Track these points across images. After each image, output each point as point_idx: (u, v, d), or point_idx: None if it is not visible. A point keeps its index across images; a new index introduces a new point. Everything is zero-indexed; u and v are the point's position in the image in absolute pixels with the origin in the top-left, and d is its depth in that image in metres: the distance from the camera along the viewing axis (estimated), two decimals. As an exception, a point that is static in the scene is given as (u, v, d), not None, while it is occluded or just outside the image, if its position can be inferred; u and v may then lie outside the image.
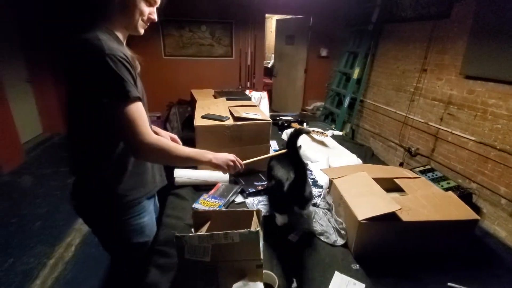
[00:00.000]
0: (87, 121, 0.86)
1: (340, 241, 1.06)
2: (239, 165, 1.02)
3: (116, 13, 0.84)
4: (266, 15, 4.86)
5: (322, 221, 1.15)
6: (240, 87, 4.86)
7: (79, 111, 0.86)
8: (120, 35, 0.88)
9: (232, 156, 1.01)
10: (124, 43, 0.91)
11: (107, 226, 0.99)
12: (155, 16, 0.91)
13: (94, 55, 0.76)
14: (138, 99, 0.82)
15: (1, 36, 3.31)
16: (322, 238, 1.08)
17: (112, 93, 0.78)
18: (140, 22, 0.88)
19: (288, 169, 1.15)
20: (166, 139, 0.93)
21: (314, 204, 1.28)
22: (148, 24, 0.92)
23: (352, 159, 1.74)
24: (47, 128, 4.12)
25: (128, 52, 0.86)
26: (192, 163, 0.98)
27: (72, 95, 0.86)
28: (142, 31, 0.91)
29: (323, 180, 1.43)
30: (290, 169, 1.13)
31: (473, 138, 2.36)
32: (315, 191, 1.38)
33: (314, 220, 1.15)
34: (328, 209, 1.23)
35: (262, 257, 0.83)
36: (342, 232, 1.07)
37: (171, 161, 0.95)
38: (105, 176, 0.91)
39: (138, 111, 0.82)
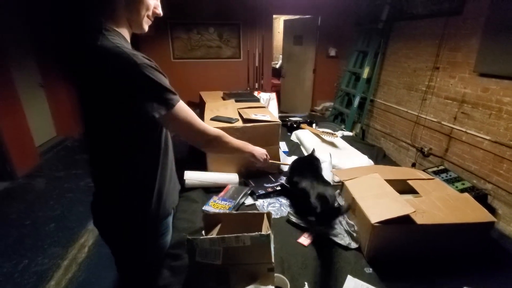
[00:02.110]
0: (115, 134, 0.81)
1: (354, 245, 1.04)
2: (267, 160, 1.18)
3: (121, 9, 0.79)
4: (274, 16, 4.86)
5: (334, 224, 1.12)
6: (248, 88, 4.87)
7: (105, 124, 0.80)
8: (126, 35, 0.82)
9: (265, 151, 1.18)
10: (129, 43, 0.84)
11: (133, 248, 0.94)
12: (160, 10, 0.86)
13: (128, 70, 0.71)
14: (179, 98, 0.81)
15: (15, 41, 3.41)
16: (336, 239, 1.06)
17: (162, 105, 0.76)
18: (145, 19, 0.83)
19: (311, 179, 1.22)
20: (219, 129, 0.96)
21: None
22: (153, 19, 0.87)
23: (363, 160, 1.71)
24: (60, 131, 4.22)
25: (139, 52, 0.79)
26: (239, 153, 1.09)
27: (94, 108, 0.80)
28: (146, 28, 0.86)
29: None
30: (313, 179, 1.22)
31: (488, 138, 2.29)
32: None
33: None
34: None
35: (273, 261, 0.82)
36: (355, 235, 1.04)
37: (227, 150, 1.04)
38: (135, 193, 0.88)
39: (186, 108, 0.83)
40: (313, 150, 1.50)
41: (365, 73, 3.66)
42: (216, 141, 0.94)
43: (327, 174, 1.42)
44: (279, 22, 7.26)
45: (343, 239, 1.06)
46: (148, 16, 0.84)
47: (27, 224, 2.39)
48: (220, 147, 0.99)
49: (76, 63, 0.81)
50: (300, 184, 1.22)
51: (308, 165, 1.37)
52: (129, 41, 0.84)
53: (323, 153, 1.75)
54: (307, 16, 4.86)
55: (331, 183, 1.39)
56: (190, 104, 0.87)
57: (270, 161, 1.22)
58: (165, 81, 0.78)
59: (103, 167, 0.88)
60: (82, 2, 0.84)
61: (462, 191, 2.25)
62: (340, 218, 1.11)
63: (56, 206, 2.63)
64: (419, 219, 0.97)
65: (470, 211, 1.03)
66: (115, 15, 0.79)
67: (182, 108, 0.82)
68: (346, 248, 1.04)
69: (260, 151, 1.15)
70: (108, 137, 0.82)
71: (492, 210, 2.26)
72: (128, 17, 0.81)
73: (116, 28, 0.79)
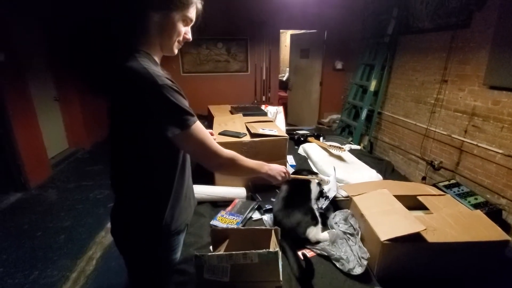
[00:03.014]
0: (136, 147, 0.85)
1: (358, 270, 0.97)
2: (287, 175, 1.12)
3: (154, 35, 0.83)
4: (281, 30, 4.95)
5: (342, 246, 1.07)
6: (255, 101, 4.92)
7: (127, 138, 0.85)
8: (156, 57, 0.87)
9: (283, 168, 1.11)
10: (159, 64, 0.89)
11: (144, 260, 0.96)
12: (190, 36, 0.90)
13: (149, 89, 0.75)
14: (196, 119, 0.83)
15: (33, 57, 3.56)
16: (337, 264, 1.03)
17: (177, 125, 0.78)
18: (176, 43, 0.88)
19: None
20: (233, 151, 0.94)
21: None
22: (183, 44, 0.91)
23: (372, 174, 1.70)
24: (72, 144, 4.32)
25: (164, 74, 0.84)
26: (253, 174, 1.04)
27: (118, 122, 0.85)
28: (176, 52, 0.91)
29: (331, 192, 1.37)
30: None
31: (500, 151, 2.24)
32: (324, 202, 1.34)
33: (335, 244, 1.09)
34: (352, 234, 1.09)
35: (281, 279, 0.82)
36: (364, 262, 0.97)
37: (240, 173, 1.02)
38: (149, 206, 0.90)
39: (202, 130, 0.84)
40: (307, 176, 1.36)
41: (372, 86, 3.66)
42: (229, 164, 0.92)
43: (332, 189, 1.39)
44: (286, 36, 7.39)
45: (344, 265, 1.00)
46: (178, 41, 0.88)
47: (38, 235, 2.43)
48: (234, 170, 0.97)
49: (105, 80, 0.86)
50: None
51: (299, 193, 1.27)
52: (158, 63, 0.88)
53: (329, 167, 1.74)
54: (313, 31, 4.94)
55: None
56: (198, 116, 0.89)
57: (292, 176, 1.17)
58: (184, 102, 0.80)
59: (121, 177, 0.92)
60: (118, 26, 0.87)
61: (475, 206, 2.19)
62: (351, 243, 1.05)
63: (66, 218, 2.67)
64: (430, 237, 0.95)
65: (483, 229, 1.01)
66: (148, 39, 0.84)
67: (198, 129, 0.82)
68: (347, 273, 0.98)
69: (276, 170, 1.08)
70: (128, 149, 0.87)
71: (507, 226, 2.18)
72: (160, 41, 0.85)
73: (147, 50, 0.84)
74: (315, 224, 1.14)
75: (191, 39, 0.91)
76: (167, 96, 0.76)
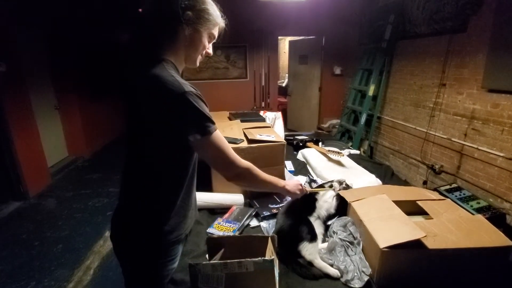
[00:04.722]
0: (153, 152, 0.86)
1: (357, 284, 0.93)
2: (304, 189, 1.11)
3: (181, 47, 0.87)
4: (279, 37, 4.99)
5: (340, 255, 1.03)
6: (255, 107, 4.93)
7: (145, 143, 0.87)
8: (179, 68, 0.91)
9: (299, 182, 1.12)
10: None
11: (142, 268, 0.94)
12: (211, 51, 0.96)
13: (176, 95, 0.77)
14: (217, 127, 0.86)
15: (35, 66, 3.58)
16: None
17: (198, 131, 0.80)
18: (199, 57, 0.93)
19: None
20: (250, 163, 0.95)
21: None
22: (204, 57, 0.96)
23: (371, 179, 1.68)
24: (72, 152, 4.32)
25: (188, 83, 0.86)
26: (269, 188, 1.03)
27: (138, 127, 0.87)
28: (198, 64, 0.95)
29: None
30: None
31: (502, 154, 2.22)
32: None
33: (332, 253, 1.06)
34: (351, 242, 1.05)
35: (277, 287, 0.80)
36: (365, 277, 0.93)
37: (255, 185, 1.01)
38: (155, 211, 0.90)
39: (221, 139, 0.87)
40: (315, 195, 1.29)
41: (371, 90, 3.66)
42: (245, 174, 0.93)
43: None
44: (284, 43, 7.45)
45: (342, 275, 0.98)
46: (201, 55, 0.93)
47: (36, 244, 2.40)
48: (249, 181, 0.97)
49: (130, 86, 0.89)
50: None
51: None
52: (180, 73, 0.90)
53: (333, 174, 1.73)
54: (311, 37, 4.98)
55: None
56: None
57: (308, 189, 1.18)
58: (206, 110, 0.83)
59: (132, 181, 0.92)
60: (151, 35, 0.90)
61: (478, 210, 2.15)
62: (350, 252, 1.02)
63: (64, 227, 2.65)
64: (430, 244, 0.93)
65: (485, 235, 0.99)
66: (175, 50, 0.88)
67: (217, 137, 0.85)
68: (344, 284, 0.95)
69: (293, 183, 1.09)
70: (144, 154, 0.88)
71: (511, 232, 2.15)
72: (186, 54, 0.90)
73: (173, 60, 0.88)
74: (310, 239, 1.06)
75: (211, 54, 0.97)
76: (192, 102, 0.78)
